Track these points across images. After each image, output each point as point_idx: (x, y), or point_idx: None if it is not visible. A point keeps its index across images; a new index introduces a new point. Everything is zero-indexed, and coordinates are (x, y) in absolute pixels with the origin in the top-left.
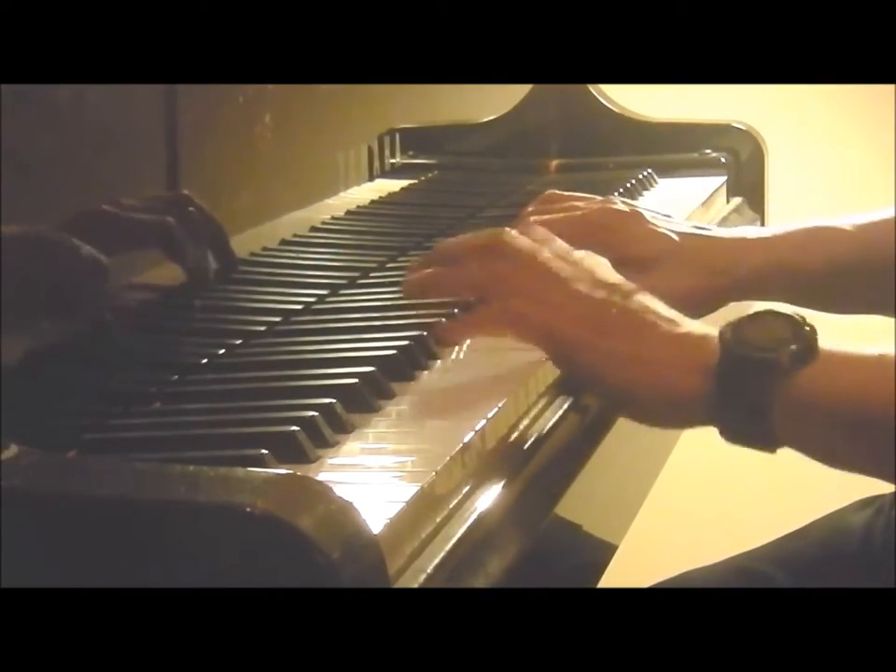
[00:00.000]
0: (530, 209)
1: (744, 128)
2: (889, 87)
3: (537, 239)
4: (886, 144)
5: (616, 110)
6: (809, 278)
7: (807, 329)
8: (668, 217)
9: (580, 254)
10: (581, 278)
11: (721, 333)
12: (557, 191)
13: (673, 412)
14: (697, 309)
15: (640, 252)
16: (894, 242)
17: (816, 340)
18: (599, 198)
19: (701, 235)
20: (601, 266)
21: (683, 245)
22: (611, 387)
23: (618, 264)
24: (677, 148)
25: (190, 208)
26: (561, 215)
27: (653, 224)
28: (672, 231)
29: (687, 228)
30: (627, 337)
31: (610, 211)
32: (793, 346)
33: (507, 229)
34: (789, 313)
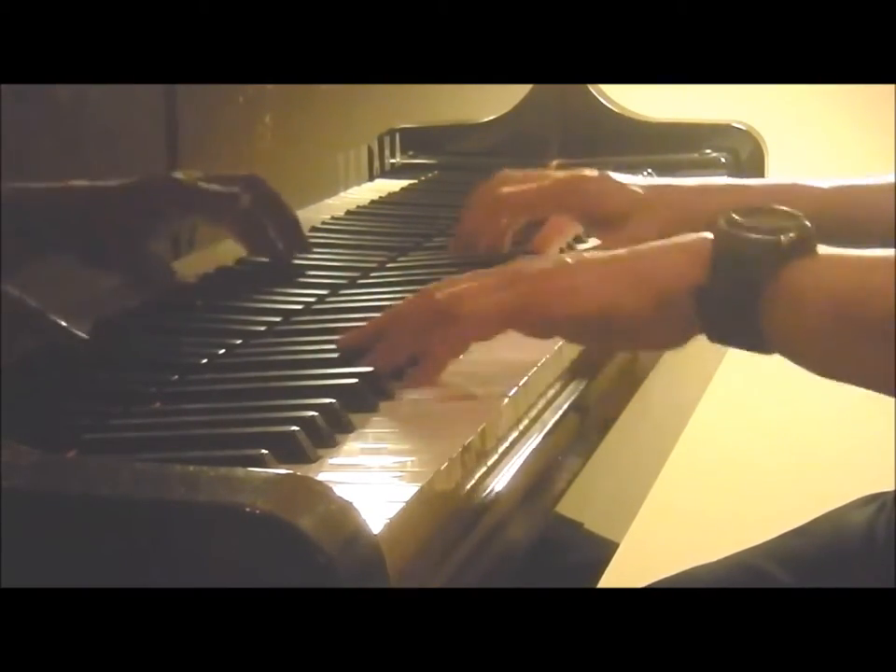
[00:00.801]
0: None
1: (744, 128)
2: (889, 87)
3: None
4: (886, 144)
5: (616, 110)
6: None
7: (806, 223)
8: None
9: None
10: (516, 264)
11: (717, 223)
12: (507, 170)
13: (661, 317)
14: None
15: (609, 209)
16: (873, 204)
17: (814, 233)
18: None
19: (666, 185)
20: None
21: (649, 197)
22: (590, 316)
23: (590, 224)
24: (677, 148)
25: (262, 191)
26: (530, 185)
27: (619, 182)
28: (638, 186)
29: (653, 181)
30: (590, 265)
31: (578, 176)
32: (792, 234)
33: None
34: (789, 210)
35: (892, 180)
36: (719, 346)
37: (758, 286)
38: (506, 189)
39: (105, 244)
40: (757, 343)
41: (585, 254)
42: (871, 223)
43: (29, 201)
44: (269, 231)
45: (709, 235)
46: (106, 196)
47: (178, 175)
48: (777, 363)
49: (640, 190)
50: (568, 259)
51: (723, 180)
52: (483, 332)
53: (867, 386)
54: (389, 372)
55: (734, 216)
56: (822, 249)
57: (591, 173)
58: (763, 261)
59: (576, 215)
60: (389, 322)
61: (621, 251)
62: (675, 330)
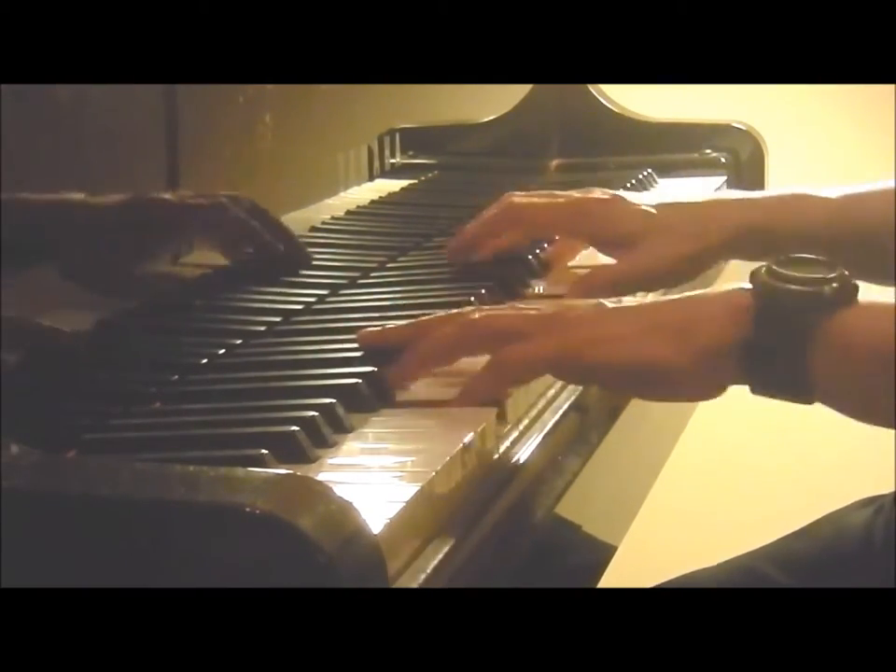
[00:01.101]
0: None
1: (744, 128)
2: (889, 87)
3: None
4: (886, 144)
5: (616, 110)
6: (781, 242)
7: (845, 272)
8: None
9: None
10: (557, 304)
11: (753, 274)
12: (516, 193)
13: (700, 371)
14: (685, 276)
15: (623, 232)
16: (881, 212)
17: (855, 283)
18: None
19: (677, 203)
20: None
21: (662, 217)
22: (627, 367)
23: (603, 247)
24: (677, 148)
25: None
26: (545, 201)
27: (632, 204)
28: (650, 207)
29: (665, 200)
30: (631, 315)
31: (591, 199)
32: (834, 284)
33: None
34: (824, 259)
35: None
36: None
37: (803, 338)
38: (519, 201)
39: (86, 260)
40: (802, 392)
41: (626, 302)
42: (882, 231)
43: (13, 212)
44: (264, 233)
45: (748, 286)
46: (94, 212)
47: (167, 195)
48: None
49: (653, 210)
50: (609, 307)
51: (734, 194)
52: (522, 378)
53: None
54: (401, 384)
55: (774, 267)
56: (861, 298)
57: (602, 195)
58: (809, 313)
59: (586, 238)
60: (420, 334)
61: (661, 301)
62: (714, 383)
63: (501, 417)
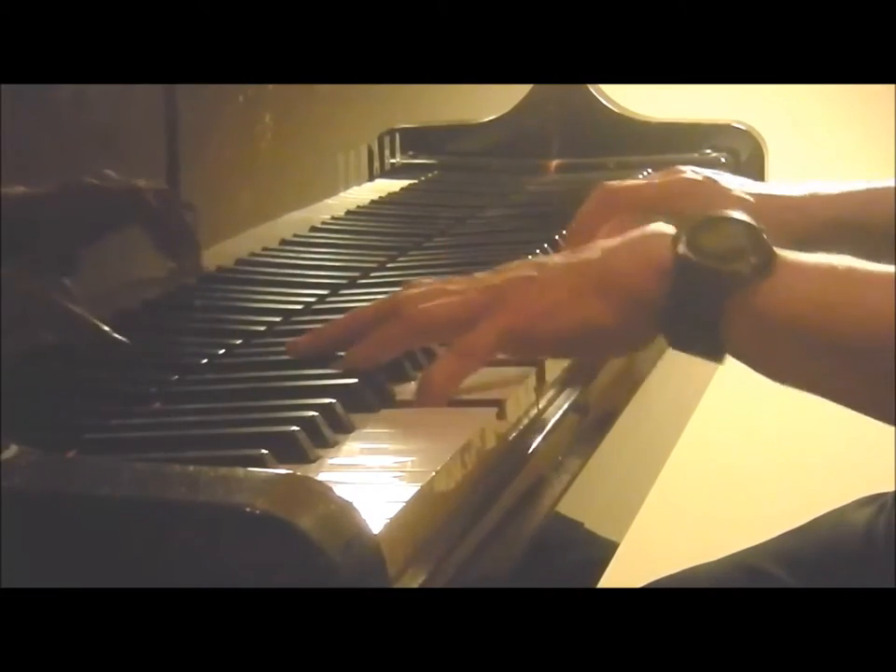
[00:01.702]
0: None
1: (744, 128)
2: (889, 87)
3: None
4: (886, 144)
5: (616, 110)
6: (873, 233)
7: (765, 237)
8: (738, 180)
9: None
10: (488, 279)
11: (675, 238)
12: (611, 182)
13: (630, 327)
14: None
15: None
16: (879, 210)
17: (773, 252)
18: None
19: (771, 195)
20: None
21: (754, 207)
22: (572, 333)
23: None
24: (677, 148)
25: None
26: (637, 181)
27: (725, 189)
28: (746, 194)
29: (759, 188)
30: (562, 280)
31: (684, 180)
32: (752, 258)
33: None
34: (746, 220)
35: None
36: None
37: (718, 307)
38: (621, 184)
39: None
40: (715, 353)
41: (555, 258)
42: (886, 226)
43: None
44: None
45: (668, 231)
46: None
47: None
48: None
49: (748, 199)
50: (536, 274)
51: (828, 187)
52: (473, 369)
53: (824, 396)
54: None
55: (693, 237)
56: (781, 256)
57: (696, 175)
58: (723, 289)
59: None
60: (352, 329)
61: (585, 257)
62: (639, 337)
63: (501, 416)
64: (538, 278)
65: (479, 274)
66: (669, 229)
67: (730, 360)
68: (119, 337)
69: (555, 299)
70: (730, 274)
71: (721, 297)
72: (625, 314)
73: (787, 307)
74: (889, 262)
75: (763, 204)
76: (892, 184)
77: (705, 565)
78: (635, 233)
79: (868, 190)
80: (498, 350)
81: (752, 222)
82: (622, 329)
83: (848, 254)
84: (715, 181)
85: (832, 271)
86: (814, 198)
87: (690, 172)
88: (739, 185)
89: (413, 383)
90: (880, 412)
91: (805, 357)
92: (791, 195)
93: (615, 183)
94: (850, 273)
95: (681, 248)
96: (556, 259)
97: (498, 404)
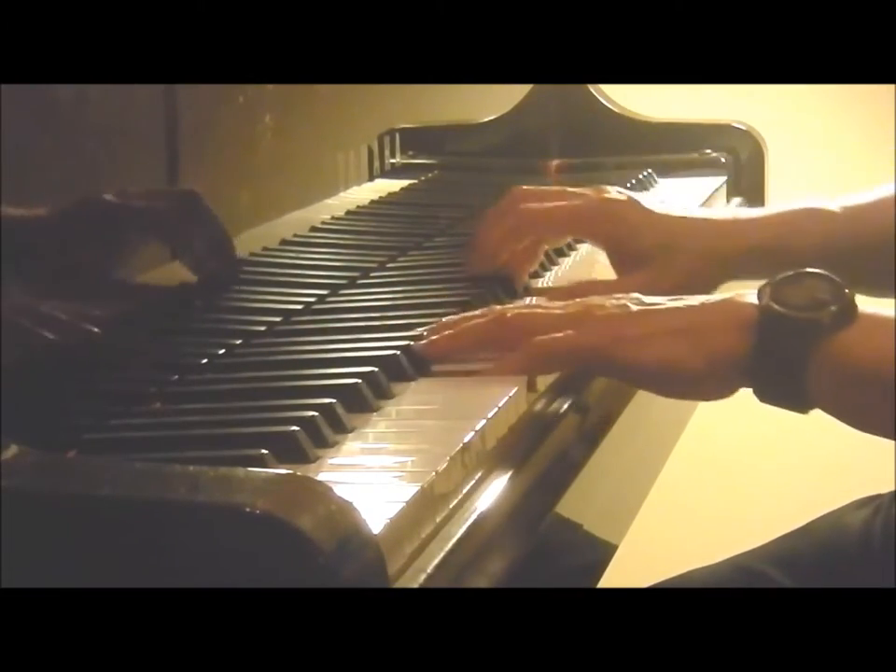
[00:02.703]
0: (510, 203)
1: (744, 128)
2: (889, 87)
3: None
4: (886, 144)
5: (616, 110)
6: (799, 259)
7: (847, 290)
8: (661, 202)
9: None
10: (585, 303)
11: (760, 292)
12: (525, 187)
13: (713, 376)
14: (697, 292)
15: (638, 244)
16: (883, 222)
17: (855, 302)
18: (585, 189)
19: (695, 218)
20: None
21: (678, 232)
22: (652, 367)
23: (615, 255)
24: (677, 148)
25: (196, 206)
26: (558, 203)
27: (649, 211)
28: (667, 218)
29: (681, 212)
30: (655, 318)
31: (607, 200)
32: (833, 307)
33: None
34: (828, 274)
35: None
36: None
37: (802, 359)
38: (530, 206)
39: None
40: (801, 405)
41: (648, 303)
42: (886, 241)
43: None
44: (196, 247)
45: (755, 301)
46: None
47: (105, 196)
48: None
49: (669, 224)
50: (634, 309)
51: (746, 212)
52: (553, 365)
53: None
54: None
55: (777, 286)
56: (863, 311)
57: (620, 196)
58: (806, 338)
59: (602, 242)
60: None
61: (680, 306)
62: (723, 386)
63: (532, 388)
64: (633, 311)
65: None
66: (748, 293)
67: None
68: (110, 338)
69: (644, 332)
70: (812, 322)
71: (804, 346)
72: (710, 363)
73: (869, 356)
74: None
75: (681, 230)
76: (819, 205)
77: (703, 568)
78: (722, 296)
79: (796, 212)
80: (578, 359)
81: (834, 277)
82: (703, 377)
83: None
84: (637, 203)
85: None
86: (734, 223)
87: (614, 192)
88: (664, 208)
89: (412, 382)
90: None
91: (880, 402)
92: (715, 218)
93: (524, 206)
94: None
95: (765, 300)
96: (658, 299)
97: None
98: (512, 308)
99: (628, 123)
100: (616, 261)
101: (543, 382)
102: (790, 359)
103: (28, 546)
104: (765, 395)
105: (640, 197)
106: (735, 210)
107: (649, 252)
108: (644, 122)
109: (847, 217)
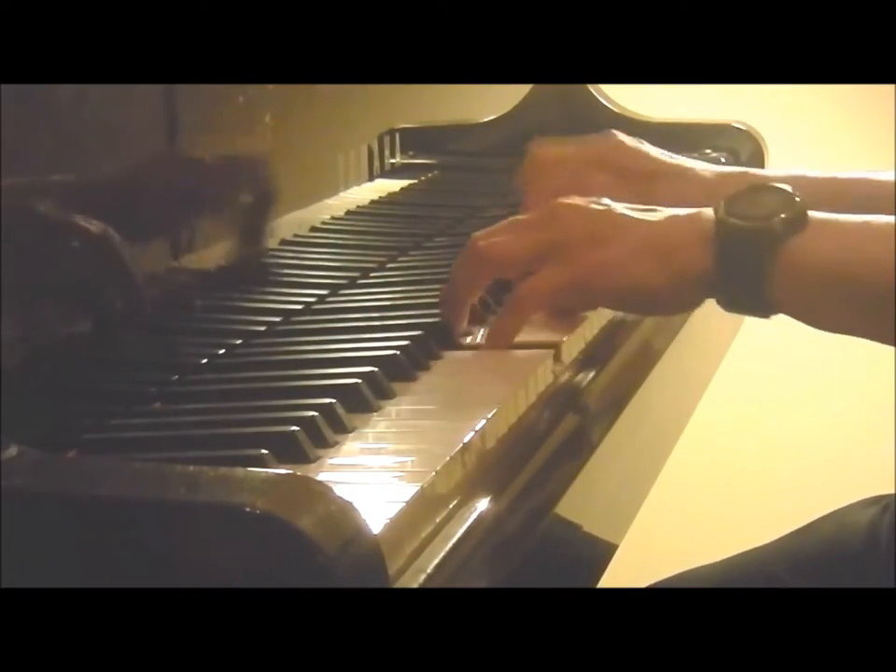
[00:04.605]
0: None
1: (744, 128)
2: (889, 87)
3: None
4: (886, 144)
5: (616, 110)
6: None
7: (797, 199)
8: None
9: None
10: (554, 215)
11: (715, 209)
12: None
13: (680, 291)
14: None
15: (648, 168)
16: (857, 201)
17: (806, 210)
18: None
19: (692, 166)
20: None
21: (677, 168)
22: (627, 290)
23: (626, 181)
24: (677, 148)
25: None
26: (568, 141)
27: (652, 149)
28: (667, 156)
29: (681, 159)
30: (622, 236)
31: (611, 134)
32: (784, 215)
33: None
34: (779, 186)
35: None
36: (719, 348)
37: (758, 266)
38: (544, 147)
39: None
40: (763, 310)
41: (616, 211)
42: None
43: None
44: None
45: (712, 216)
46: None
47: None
48: (775, 362)
49: (671, 160)
50: (601, 222)
51: (739, 169)
52: (536, 311)
53: (866, 337)
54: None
55: (732, 204)
56: (814, 217)
57: (624, 136)
58: (760, 246)
59: (615, 171)
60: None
61: (646, 221)
62: (689, 300)
63: (557, 358)
64: (604, 228)
65: (550, 209)
66: (705, 209)
67: (733, 360)
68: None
69: (616, 255)
70: (765, 230)
71: (760, 254)
72: (676, 279)
73: (823, 258)
74: None
75: (682, 167)
76: (810, 173)
77: (707, 565)
78: (681, 210)
79: (786, 176)
80: (559, 300)
81: (785, 187)
82: (672, 292)
83: None
84: (640, 141)
85: (860, 223)
86: (725, 176)
87: (620, 134)
88: (666, 152)
89: (412, 382)
90: None
91: (847, 304)
92: (714, 168)
93: (544, 150)
94: (877, 223)
95: (721, 213)
96: (622, 210)
97: (555, 346)
98: (482, 234)
99: (628, 123)
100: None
101: (568, 354)
102: (748, 268)
103: (28, 546)
104: (728, 304)
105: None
106: (729, 168)
107: (647, 176)
108: (644, 122)
109: (829, 188)
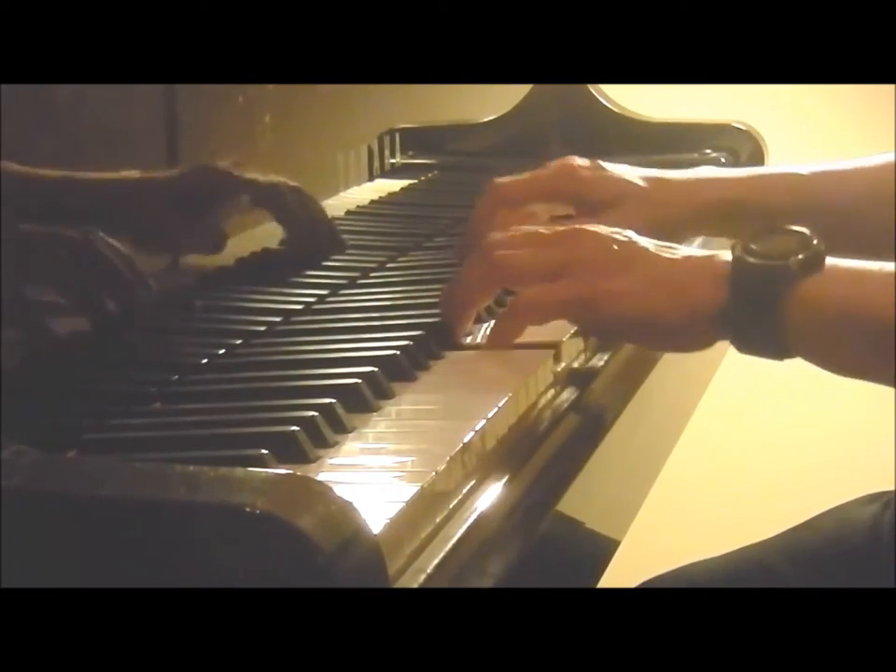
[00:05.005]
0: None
1: (744, 128)
2: (889, 87)
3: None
4: (886, 144)
5: (616, 110)
6: (747, 218)
7: (815, 241)
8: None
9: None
10: (575, 237)
11: (733, 247)
12: (499, 179)
13: (692, 328)
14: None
15: (600, 196)
16: (845, 192)
17: (823, 252)
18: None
19: (656, 175)
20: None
21: (639, 185)
22: (635, 320)
23: (580, 210)
24: (677, 148)
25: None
26: (523, 176)
27: (611, 171)
28: (629, 176)
29: (644, 171)
30: (638, 269)
31: (568, 165)
32: (801, 255)
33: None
34: (798, 229)
35: (873, 163)
36: (720, 347)
37: (773, 307)
38: (501, 180)
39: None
40: (779, 353)
41: (637, 245)
42: (859, 207)
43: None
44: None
45: (730, 257)
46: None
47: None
48: (775, 363)
49: (631, 179)
50: (619, 251)
51: (709, 171)
52: (539, 319)
53: (881, 382)
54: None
55: (747, 240)
56: (830, 260)
57: (582, 161)
58: (776, 285)
59: (568, 200)
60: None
61: (662, 256)
62: (703, 339)
63: (557, 358)
64: (621, 258)
65: (572, 231)
66: (719, 251)
67: (733, 360)
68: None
69: (629, 285)
70: (780, 269)
71: (774, 293)
72: (688, 314)
73: (838, 300)
74: None
75: (643, 183)
76: (774, 169)
77: (706, 560)
78: (699, 251)
79: (748, 175)
80: (562, 314)
81: (804, 230)
82: (683, 328)
83: (731, 236)
84: (599, 164)
85: (876, 268)
86: (693, 180)
87: (577, 159)
88: (626, 172)
89: (412, 382)
90: None
91: (861, 347)
92: (671, 177)
93: (504, 180)
94: (882, 271)
95: (738, 252)
96: (643, 244)
97: (555, 346)
98: (500, 242)
99: (628, 123)
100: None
101: (544, 381)
102: (761, 307)
103: (28, 546)
104: (743, 345)
105: (605, 163)
106: (701, 169)
107: (606, 204)
108: (644, 122)
109: (813, 180)
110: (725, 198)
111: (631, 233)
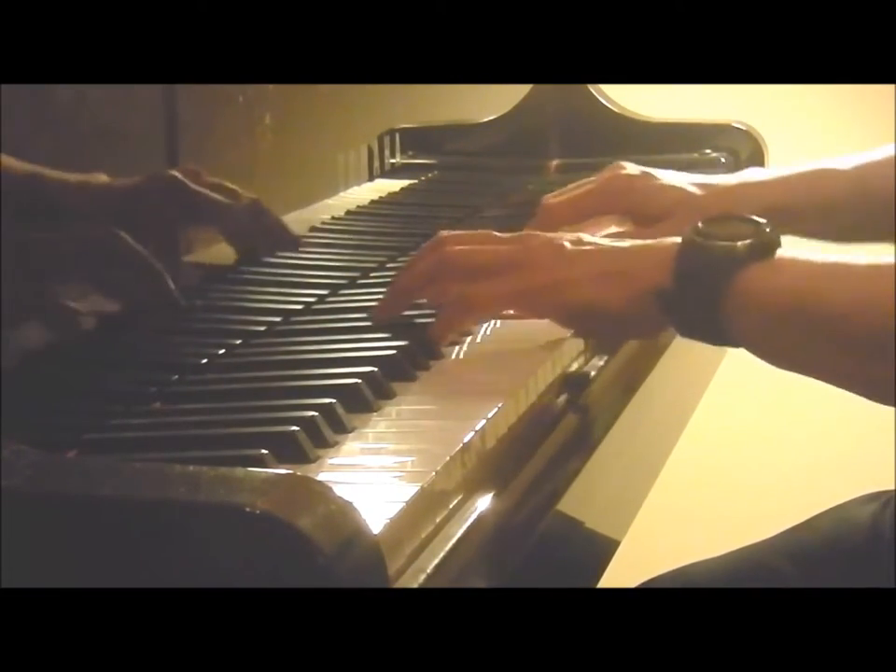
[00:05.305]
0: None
1: (744, 128)
2: (889, 87)
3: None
4: (886, 144)
5: (616, 110)
6: (809, 218)
7: (768, 230)
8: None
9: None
10: (523, 241)
11: (685, 232)
12: (550, 199)
13: (639, 312)
14: None
15: (654, 208)
16: (888, 182)
17: (774, 240)
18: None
19: (707, 184)
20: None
21: (692, 194)
22: (580, 308)
23: (636, 223)
24: (677, 148)
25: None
26: (574, 192)
27: (662, 180)
28: (681, 184)
29: (694, 179)
30: (584, 261)
31: (620, 176)
32: (749, 241)
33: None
34: (756, 218)
35: None
36: (718, 347)
37: (716, 289)
38: (553, 202)
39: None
40: (718, 339)
41: (586, 241)
42: (821, 208)
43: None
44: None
45: (678, 240)
46: (109, 194)
47: (179, 175)
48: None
49: (686, 188)
50: (568, 249)
51: (760, 174)
52: (485, 314)
53: (820, 378)
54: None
55: (699, 225)
56: (782, 252)
57: (634, 170)
58: (720, 267)
59: (623, 212)
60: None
61: (609, 247)
62: (648, 325)
63: (558, 358)
64: (566, 252)
65: (522, 234)
66: (677, 238)
67: (733, 359)
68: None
69: (573, 276)
70: (726, 252)
71: (719, 277)
72: (633, 299)
73: (778, 289)
74: (822, 240)
75: (694, 194)
76: (827, 165)
77: (706, 560)
78: (639, 242)
79: (803, 174)
80: (507, 307)
81: (759, 219)
82: (628, 312)
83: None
84: (650, 174)
85: (823, 264)
86: (746, 185)
87: (629, 167)
88: (677, 179)
89: (412, 382)
90: (877, 394)
91: (797, 340)
92: (724, 184)
93: (554, 201)
94: (845, 263)
95: (687, 235)
96: (592, 240)
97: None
98: (454, 239)
99: (628, 123)
100: (638, 230)
101: (544, 381)
102: (704, 289)
103: (28, 546)
104: (684, 328)
105: (655, 171)
106: (751, 173)
107: (661, 216)
108: (644, 122)
109: (855, 175)
110: (777, 202)
111: (583, 234)
